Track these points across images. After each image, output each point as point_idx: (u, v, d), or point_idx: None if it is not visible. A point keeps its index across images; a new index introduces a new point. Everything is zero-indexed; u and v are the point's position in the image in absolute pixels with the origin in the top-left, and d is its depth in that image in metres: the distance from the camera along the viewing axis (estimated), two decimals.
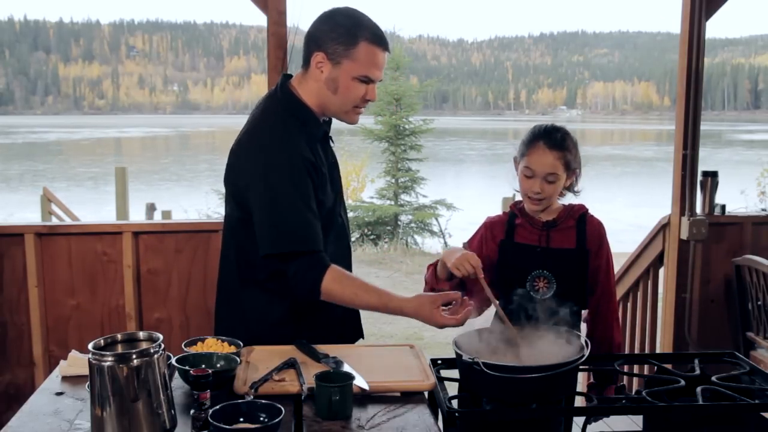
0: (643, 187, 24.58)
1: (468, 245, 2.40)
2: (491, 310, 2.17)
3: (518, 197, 2.42)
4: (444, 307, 1.98)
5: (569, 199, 2.40)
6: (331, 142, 2.22)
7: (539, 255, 2.29)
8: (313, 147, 2.07)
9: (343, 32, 2.02)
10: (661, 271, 4.15)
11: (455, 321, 1.96)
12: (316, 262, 1.99)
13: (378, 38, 2.04)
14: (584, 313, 2.40)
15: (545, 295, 2.26)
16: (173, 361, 1.77)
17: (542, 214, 2.34)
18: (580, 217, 2.34)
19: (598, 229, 2.34)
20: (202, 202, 13.71)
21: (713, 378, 2.05)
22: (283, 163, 1.99)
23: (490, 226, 2.41)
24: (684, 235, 3.87)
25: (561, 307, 2.15)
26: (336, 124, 2.24)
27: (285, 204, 1.98)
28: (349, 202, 15.27)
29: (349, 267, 2.23)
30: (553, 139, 2.26)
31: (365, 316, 2.30)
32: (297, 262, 1.98)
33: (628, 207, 18.34)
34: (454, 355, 1.98)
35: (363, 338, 2.35)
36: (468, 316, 1.97)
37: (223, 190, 2.18)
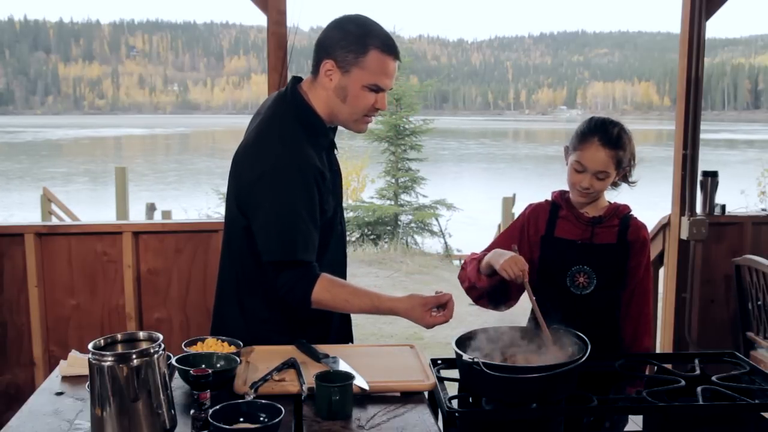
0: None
1: (509, 232, 2.38)
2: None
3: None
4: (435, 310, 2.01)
5: (623, 191, 2.37)
6: (335, 150, 2.20)
7: (580, 250, 2.27)
8: (319, 155, 2.05)
9: (353, 40, 1.99)
10: (661, 271, 4.15)
11: (444, 318, 2.00)
12: (306, 273, 1.98)
13: (388, 47, 2.02)
14: None
15: (585, 290, 2.26)
16: (173, 361, 1.77)
17: (589, 209, 2.32)
18: (624, 216, 2.33)
19: (641, 228, 2.34)
20: (202, 202, 13.71)
21: (713, 378, 2.05)
22: (292, 169, 1.96)
23: (534, 212, 2.37)
24: (684, 235, 3.87)
25: (601, 302, 2.24)
26: None
27: (287, 211, 1.96)
28: (349, 202, 15.27)
29: (344, 272, 2.23)
30: (608, 136, 2.22)
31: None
32: (287, 272, 1.97)
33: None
34: (454, 355, 1.98)
35: (352, 342, 2.34)
36: (452, 312, 2.00)
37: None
